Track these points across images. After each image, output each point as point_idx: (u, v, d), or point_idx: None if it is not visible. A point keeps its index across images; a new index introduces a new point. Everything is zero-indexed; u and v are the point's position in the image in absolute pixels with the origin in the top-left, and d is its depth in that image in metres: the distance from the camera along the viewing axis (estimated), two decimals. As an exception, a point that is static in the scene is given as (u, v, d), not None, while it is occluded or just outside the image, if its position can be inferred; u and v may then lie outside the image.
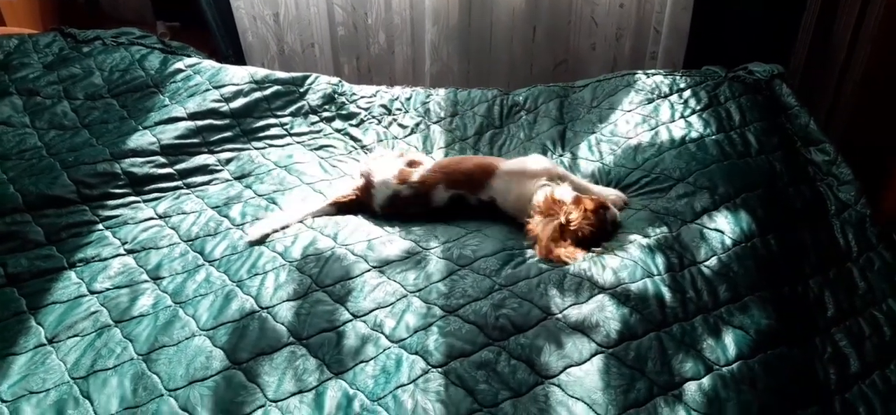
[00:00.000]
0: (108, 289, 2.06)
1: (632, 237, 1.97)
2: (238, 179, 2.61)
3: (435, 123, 2.93)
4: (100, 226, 2.31)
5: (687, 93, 2.63)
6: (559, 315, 1.74)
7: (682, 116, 2.49)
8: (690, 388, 1.56)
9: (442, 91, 3.10)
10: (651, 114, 2.55)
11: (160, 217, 2.37)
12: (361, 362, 1.74)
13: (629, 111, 2.62)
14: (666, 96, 2.64)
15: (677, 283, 1.81)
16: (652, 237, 1.96)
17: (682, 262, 1.88)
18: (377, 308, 1.90)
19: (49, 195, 2.35)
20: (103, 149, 2.57)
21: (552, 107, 2.84)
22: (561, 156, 2.56)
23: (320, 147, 2.82)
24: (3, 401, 1.71)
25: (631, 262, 1.86)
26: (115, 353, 1.83)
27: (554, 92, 2.94)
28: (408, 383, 1.65)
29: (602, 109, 2.71)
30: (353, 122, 2.97)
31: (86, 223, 2.31)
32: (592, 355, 1.64)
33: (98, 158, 2.52)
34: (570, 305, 1.76)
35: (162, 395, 1.71)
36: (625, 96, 2.71)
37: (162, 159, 2.59)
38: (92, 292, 2.05)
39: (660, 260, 1.88)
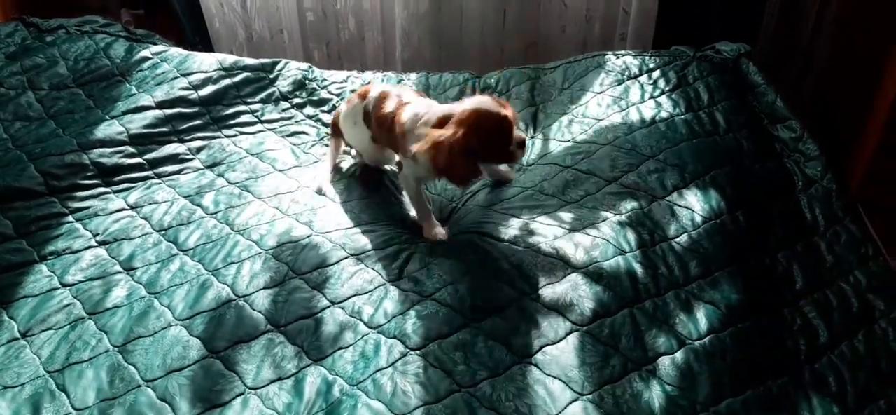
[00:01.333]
0: (80, 281, 2.03)
1: (603, 213, 2.00)
2: (209, 167, 2.58)
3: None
4: (70, 218, 2.28)
5: (656, 73, 2.67)
6: (533, 295, 1.76)
7: (652, 97, 2.53)
8: (664, 363, 1.59)
9: (414, 75, 3.10)
10: (621, 95, 2.58)
11: (131, 208, 2.35)
12: (340, 348, 1.75)
13: (600, 93, 2.64)
14: (636, 77, 2.67)
15: (649, 259, 1.85)
16: (623, 214, 1.99)
17: (653, 238, 1.91)
18: (355, 295, 1.91)
19: (16, 187, 2.31)
20: (71, 139, 2.53)
21: (523, 89, 2.86)
22: (533, 137, 2.58)
23: (292, 134, 2.80)
24: (-23, 396, 1.69)
25: (602, 240, 1.89)
26: (90, 345, 1.82)
27: (525, 75, 2.95)
28: (386, 367, 1.66)
29: (573, 91, 2.74)
30: (325, 108, 2.95)
31: (55, 215, 2.28)
32: (567, 334, 1.66)
33: (65, 148, 2.48)
34: (545, 285, 1.78)
35: (139, 386, 1.70)
36: (595, 78, 2.74)
37: (131, 149, 2.56)
38: (64, 285, 2.02)
39: (631, 237, 1.91)
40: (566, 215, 2.03)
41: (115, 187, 2.43)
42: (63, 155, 2.45)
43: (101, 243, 2.18)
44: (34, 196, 2.32)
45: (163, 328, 1.85)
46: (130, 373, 1.73)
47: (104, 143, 2.54)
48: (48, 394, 1.69)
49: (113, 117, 2.67)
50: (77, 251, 2.15)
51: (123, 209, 2.34)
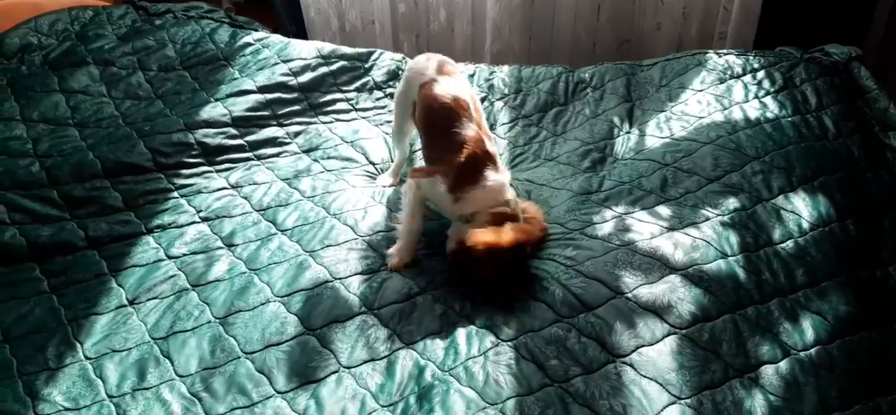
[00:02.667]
0: (184, 254, 2.13)
1: (704, 213, 1.94)
2: (306, 152, 2.65)
3: (498, 99, 2.92)
4: (175, 194, 2.39)
5: (761, 74, 2.57)
6: (629, 295, 1.73)
7: (757, 97, 2.44)
8: (767, 371, 1.54)
9: (506, 67, 3.09)
10: (724, 94, 2.50)
11: (232, 187, 2.44)
12: (431, 334, 1.77)
13: (701, 91, 2.56)
14: (739, 77, 2.58)
15: (752, 264, 1.78)
16: (726, 215, 1.92)
17: (757, 242, 1.84)
18: (446, 286, 1.92)
19: (127, 163, 2.44)
20: (177, 119, 2.65)
21: (619, 84, 2.81)
22: (628, 133, 2.53)
23: (385, 122, 2.84)
24: (88, 358, 1.79)
25: (703, 241, 1.84)
26: (194, 315, 1.90)
27: (621, 70, 2.90)
28: (478, 356, 1.67)
29: (671, 88, 2.67)
30: (418, 97, 2.98)
31: (162, 191, 2.39)
32: (665, 336, 1.63)
33: (173, 127, 2.60)
34: (641, 285, 1.75)
35: (239, 357, 1.77)
36: (695, 76, 2.66)
37: (233, 131, 2.65)
38: (169, 257, 2.12)
39: (734, 239, 1.84)
40: (665, 212, 1.98)
41: (218, 167, 2.53)
42: (170, 134, 2.56)
43: (204, 220, 2.27)
44: (143, 172, 2.43)
45: (262, 304, 1.92)
46: (231, 344, 1.80)
47: (208, 123, 2.64)
48: (153, 360, 1.78)
49: (217, 100, 2.78)
50: (182, 226, 2.24)
51: (225, 188, 2.43)
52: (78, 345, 1.83)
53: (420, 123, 2.24)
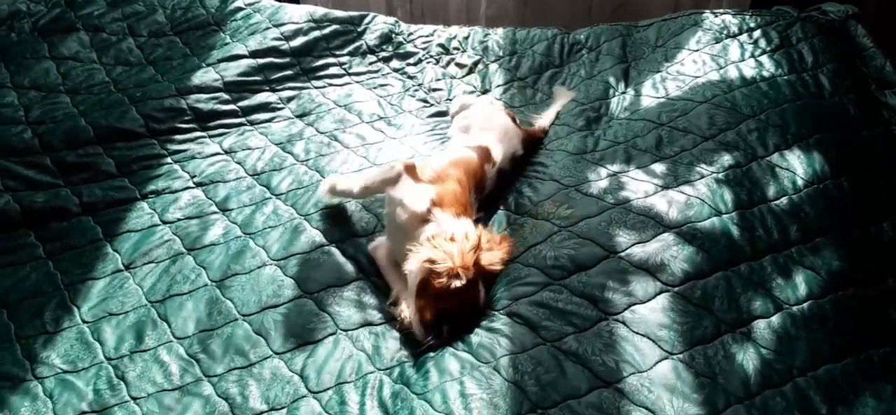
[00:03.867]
0: (179, 219, 2.13)
1: (699, 170, 1.94)
2: (299, 116, 2.64)
3: (493, 61, 2.90)
4: (168, 159, 2.38)
5: (757, 33, 2.55)
6: (622, 254, 1.73)
7: (753, 56, 2.42)
8: (759, 326, 1.55)
9: (500, 30, 3.07)
10: (720, 53, 2.48)
11: (226, 152, 2.43)
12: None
13: (696, 51, 2.55)
14: (735, 36, 2.56)
15: (746, 221, 1.78)
16: (720, 172, 1.92)
17: (751, 199, 1.84)
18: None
19: (119, 128, 2.43)
20: (169, 85, 2.63)
21: (615, 45, 2.79)
22: (624, 93, 2.52)
23: (378, 86, 2.82)
24: (85, 322, 1.81)
25: (698, 199, 1.84)
26: (190, 279, 1.91)
27: (617, 31, 2.87)
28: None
29: (668, 48, 2.65)
30: (411, 61, 2.96)
31: (155, 156, 2.38)
32: (658, 294, 1.63)
33: (164, 93, 2.58)
34: (634, 244, 1.75)
35: (236, 319, 1.78)
36: (692, 36, 2.64)
37: (225, 96, 2.64)
38: (164, 222, 2.12)
39: (728, 196, 1.84)
40: (659, 169, 1.97)
41: (211, 132, 2.52)
42: (162, 99, 2.54)
43: (198, 185, 2.27)
44: (135, 138, 2.42)
45: (258, 267, 1.93)
46: (228, 307, 1.81)
47: (201, 89, 2.62)
48: (151, 322, 1.79)
49: (209, 65, 2.75)
50: (176, 191, 2.24)
51: (218, 153, 2.42)
52: (75, 309, 1.84)
53: None
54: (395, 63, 2.96)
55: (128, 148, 2.38)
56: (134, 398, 1.59)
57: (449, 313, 1.67)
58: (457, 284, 1.64)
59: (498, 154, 2.14)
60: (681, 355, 1.50)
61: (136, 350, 1.72)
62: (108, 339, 1.75)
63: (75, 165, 2.30)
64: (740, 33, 2.57)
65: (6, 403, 1.59)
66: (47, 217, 2.14)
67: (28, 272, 1.96)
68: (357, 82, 2.85)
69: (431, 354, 1.62)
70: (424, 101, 2.74)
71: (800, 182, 1.88)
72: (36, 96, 2.53)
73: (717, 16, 2.70)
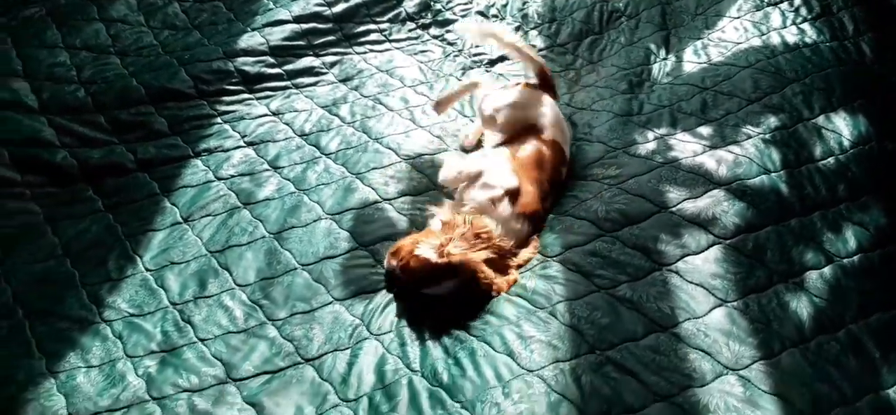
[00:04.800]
0: (233, 176, 2.19)
1: (745, 131, 1.97)
2: (342, 81, 2.69)
3: (532, 28, 2.94)
4: (218, 119, 2.44)
5: (798, 1, 2.57)
6: (674, 209, 1.78)
7: (794, 23, 2.45)
8: (812, 276, 1.59)
9: (539, -3, 3.11)
10: (761, 20, 2.51)
11: (274, 114, 2.48)
12: (479, 252, 1.82)
13: (737, 18, 2.57)
14: (776, 4, 2.58)
15: (794, 179, 1.82)
16: (767, 133, 1.96)
17: (798, 159, 1.88)
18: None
19: (169, 89, 2.49)
20: (216, 48, 2.69)
21: (654, 13, 2.82)
22: (665, 59, 2.55)
23: (418, 52, 2.87)
24: (148, 270, 1.87)
25: (746, 158, 1.88)
26: (248, 231, 1.96)
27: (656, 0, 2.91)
28: (525, 271, 1.73)
29: (708, 16, 2.68)
30: (450, 28, 3.00)
31: (205, 116, 2.44)
32: (710, 246, 1.68)
33: (212, 56, 2.64)
34: (685, 199, 1.79)
35: (295, 268, 1.84)
36: (732, 4, 2.67)
37: (271, 59, 2.70)
38: (219, 179, 2.18)
39: (776, 156, 1.88)
40: (706, 131, 2.02)
41: (258, 94, 2.57)
42: (210, 61, 2.60)
43: (249, 144, 2.33)
44: (185, 98, 2.48)
45: (314, 221, 1.98)
46: (287, 257, 1.87)
47: (247, 52, 2.68)
48: (212, 271, 1.85)
49: (254, 29, 2.81)
50: (228, 150, 2.30)
51: (266, 115, 2.47)
52: (137, 258, 1.90)
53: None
54: (434, 30, 3.00)
55: (178, 108, 2.44)
56: (202, 339, 1.65)
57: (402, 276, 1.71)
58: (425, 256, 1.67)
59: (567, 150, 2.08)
60: (735, 303, 1.55)
61: (199, 296, 1.78)
62: (171, 285, 1.81)
63: (128, 124, 2.36)
64: (781, 1, 2.59)
65: (77, 343, 1.65)
66: (103, 173, 2.20)
67: (88, 224, 2.02)
68: (398, 48, 2.90)
69: (491, 300, 1.67)
70: (465, 66, 2.78)
71: (846, 143, 1.92)
72: (87, 57, 2.59)
73: (757, -16, 2.73)
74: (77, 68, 2.53)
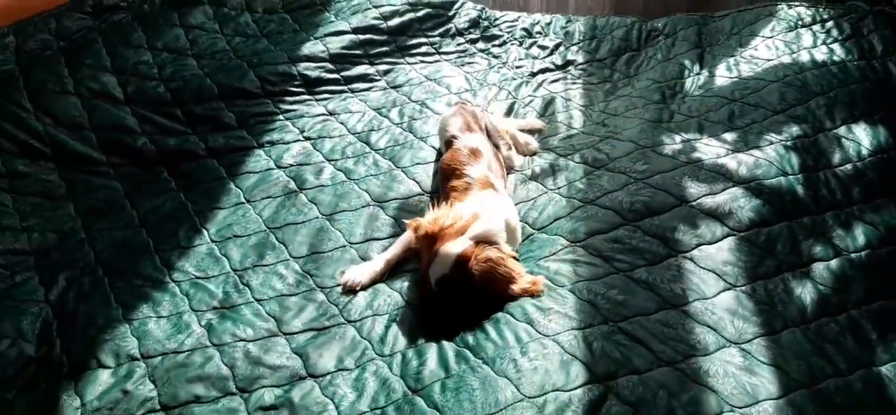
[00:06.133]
0: (291, 165, 2.41)
1: (768, 138, 2.09)
2: (394, 88, 2.91)
3: (574, 44, 3.11)
4: (281, 116, 2.68)
5: (830, 24, 2.68)
6: (694, 203, 1.91)
7: (825, 44, 2.55)
8: (818, 267, 1.70)
9: (581, 17, 3.27)
10: (793, 40, 2.62)
11: (329, 113, 2.71)
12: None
13: (770, 38, 2.70)
14: (808, 26, 2.69)
15: (811, 182, 1.93)
16: (788, 140, 2.07)
17: (817, 164, 1.99)
18: (520, 203, 2.14)
19: (239, 88, 2.74)
20: (281, 54, 2.94)
21: (691, 32, 2.96)
22: (698, 74, 2.68)
23: (465, 64, 3.07)
24: (213, 241, 2.09)
25: (766, 161, 1.99)
26: (303, 212, 2.17)
27: (693, 20, 3.04)
28: (549, 256, 1.88)
29: (742, 36, 2.80)
30: (496, 43, 3.20)
31: (269, 114, 2.68)
32: (724, 237, 1.80)
33: (278, 60, 2.89)
34: (705, 195, 1.92)
35: (344, 246, 2.03)
36: (766, 25, 2.79)
37: (330, 66, 2.94)
38: (279, 167, 2.40)
39: (795, 160, 2.00)
40: (730, 137, 2.14)
41: (317, 96, 2.81)
42: (276, 65, 2.86)
43: (307, 139, 2.55)
44: (252, 96, 2.73)
45: (362, 206, 2.18)
46: (336, 235, 2.07)
47: (309, 58, 2.93)
48: (270, 244, 2.06)
49: (316, 38, 3.06)
50: (288, 142, 2.53)
51: (323, 114, 2.70)
52: (204, 231, 2.13)
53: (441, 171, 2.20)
54: (482, 44, 3.20)
55: (246, 105, 2.69)
56: (257, 300, 1.85)
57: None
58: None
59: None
60: (743, 287, 1.67)
61: (257, 265, 1.98)
62: (233, 255, 2.02)
63: (201, 117, 2.62)
64: (814, 23, 2.70)
65: (150, 297, 1.87)
66: (178, 158, 2.46)
67: (163, 201, 2.27)
68: (446, 60, 3.10)
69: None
70: (508, 77, 2.96)
71: (864, 151, 2.02)
72: (168, 57, 2.87)
73: (791, 7, 2.84)
74: (159, 67, 2.81)
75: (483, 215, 1.82)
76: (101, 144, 2.46)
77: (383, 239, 2.05)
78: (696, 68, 2.72)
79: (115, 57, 2.77)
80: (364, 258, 1.98)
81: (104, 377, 1.62)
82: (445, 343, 1.64)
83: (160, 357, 1.66)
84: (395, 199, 2.21)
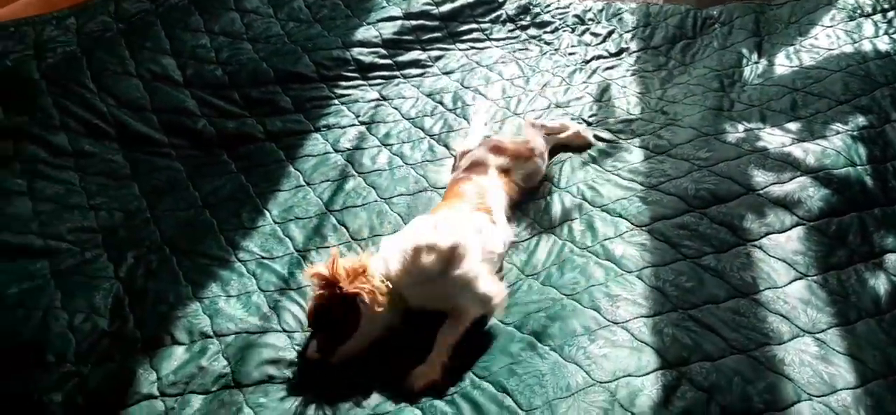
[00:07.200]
0: (348, 149, 2.43)
1: (833, 128, 2.07)
2: (446, 73, 2.91)
3: (627, 31, 3.08)
4: (336, 101, 2.70)
5: (891, 13, 2.63)
6: (761, 191, 1.89)
7: (887, 33, 2.51)
8: (891, 258, 1.68)
9: (633, 4, 3.25)
10: (853, 30, 2.58)
11: (383, 99, 2.73)
12: (568, 221, 1.98)
13: (830, 27, 2.66)
14: (869, 16, 2.65)
15: (880, 173, 1.91)
16: (855, 131, 2.04)
17: (884, 155, 1.96)
18: (578, 183, 2.13)
19: (294, 72, 2.78)
20: (335, 39, 2.97)
21: (748, 21, 2.92)
22: (756, 63, 2.65)
23: (517, 50, 3.06)
24: (276, 222, 2.12)
25: (833, 151, 1.97)
26: (361, 195, 2.20)
27: (750, 8, 3.00)
28: (614, 237, 1.87)
29: (801, 25, 2.76)
30: (548, 29, 3.18)
31: (324, 98, 2.71)
32: (794, 226, 1.79)
33: (332, 45, 2.92)
34: (773, 183, 1.90)
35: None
36: (825, 14, 2.75)
37: (383, 51, 2.95)
38: (336, 151, 2.43)
39: (862, 151, 1.97)
40: (794, 127, 2.12)
41: (371, 81, 2.83)
42: (330, 50, 2.88)
43: (362, 123, 2.57)
44: (308, 81, 2.76)
45: (420, 191, 2.20)
46: (395, 218, 2.09)
47: (362, 43, 2.95)
48: (331, 226, 2.08)
49: (369, 24, 3.08)
50: (344, 127, 2.55)
51: (377, 99, 2.72)
52: (266, 212, 2.16)
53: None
54: (533, 31, 3.19)
55: (302, 89, 2.72)
56: (322, 285, 1.88)
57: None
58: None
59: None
60: (815, 277, 1.65)
61: (321, 246, 2.01)
62: (295, 235, 2.05)
63: (258, 100, 2.65)
64: (874, 13, 2.66)
65: (218, 276, 1.91)
66: (237, 141, 2.50)
67: (224, 182, 2.30)
68: (497, 46, 3.10)
69: (576, 263, 1.80)
70: (560, 64, 2.95)
71: (934, 143, 1.99)
72: (224, 41, 2.91)
73: (850, -3, 2.80)
74: (216, 50, 2.85)
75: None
76: (162, 125, 2.50)
77: (441, 223, 2.07)
78: (755, 57, 2.69)
79: (174, 40, 2.82)
80: (424, 242, 1.99)
81: (179, 353, 1.65)
82: (510, 329, 1.65)
83: (233, 336, 1.69)
84: (450, 184, 2.22)
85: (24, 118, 2.38)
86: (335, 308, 1.60)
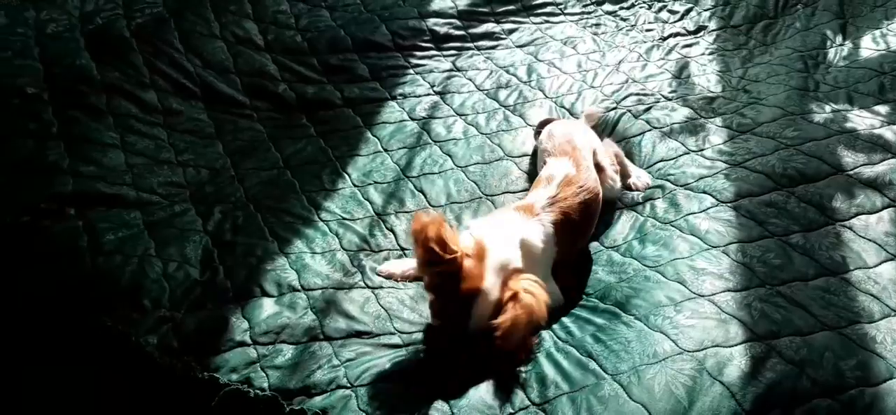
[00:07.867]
0: (424, 118, 2.47)
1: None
2: (520, 46, 2.92)
3: (706, 9, 3.04)
4: (411, 71, 2.74)
5: None
6: (850, 172, 1.86)
7: (982, 18, 2.43)
8: None
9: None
10: (947, 12, 2.51)
11: (458, 70, 2.75)
12: (650, 200, 1.98)
13: (921, 10, 2.59)
14: (964, -1, 2.57)
15: (975, 160, 1.86)
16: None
17: (982, 143, 1.91)
18: (660, 161, 2.12)
19: (371, 40, 2.82)
20: (411, 9, 3.01)
21: (832, 2, 2.86)
22: (841, 45, 2.59)
23: (593, 25, 3.05)
24: (356, 186, 2.16)
25: (926, 136, 1.93)
26: (438, 163, 2.23)
27: (836, -11, 2.94)
28: (699, 212, 1.86)
29: (887, 8, 2.70)
30: (624, 5, 3.16)
31: (400, 67, 2.75)
32: (885, 207, 1.76)
33: (408, 15, 2.96)
34: (863, 165, 1.87)
35: (480, 197, 2.07)
36: (915, -3, 2.68)
37: (458, 22, 2.98)
38: (412, 119, 2.46)
39: (957, 138, 1.92)
40: (883, 110, 2.07)
41: (445, 52, 2.86)
42: (407, 20, 2.92)
43: (437, 93, 2.60)
44: (384, 50, 2.81)
45: (497, 159, 2.22)
46: (472, 187, 2.12)
47: (438, 14, 2.99)
48: (409, 192, 2.12)
49: (445, -7, 3.11)
50: (419, 96, 2.59)
51: (452, 70, 2.75)
52: (346, 175, 2.21)
53: None
54: (608, 6, 3.18)
55: (379, 57, 2.77)
56: (402, 248, 1.92)
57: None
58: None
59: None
60: (907, 259, 1.63)
61: (400, 211, 2.05)
62: (375, 199, 2.09)
63: (336, 67, 2.71)
64: (970, -4, 2.57)
65: (302, 234, 1.96)
66: (316, 106, 2.55)
67: (304, 145, 2.36)
68: (572, 21, 3.09)
69: (659, 236, 1.80)
70: (637, 40, 2.93)
71: None
72: (303, 8, 2.97)
73: (943, -21, 2.71)
74: (295, 17, 2.91)
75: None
76: (244, 87, 2.58)
77: (518, 192, 2.09)
78: (839, 39, 2.64)
79: (256, 5, 2.90)
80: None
81: (269, 304, 1.71)
82: (594, 301, 1.66)
83: (320, 291, 1.74)
84: (526, 155, 2.24)
85: (115, 74, 2.47)
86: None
